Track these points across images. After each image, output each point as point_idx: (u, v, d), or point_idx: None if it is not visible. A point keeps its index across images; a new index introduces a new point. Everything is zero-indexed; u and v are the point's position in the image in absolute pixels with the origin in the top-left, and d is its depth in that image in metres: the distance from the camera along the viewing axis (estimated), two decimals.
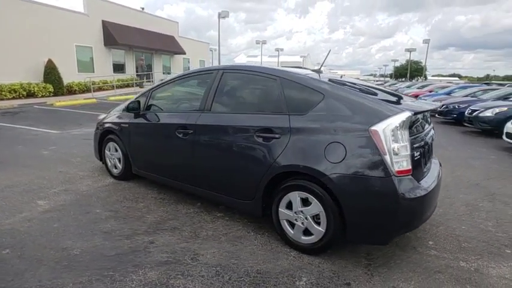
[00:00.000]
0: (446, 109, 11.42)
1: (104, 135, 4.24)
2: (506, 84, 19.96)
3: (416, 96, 18.56)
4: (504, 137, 7.01)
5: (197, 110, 3.18)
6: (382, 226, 2.25)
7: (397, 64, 78.28)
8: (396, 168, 2.17)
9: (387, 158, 2.17)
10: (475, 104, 9.82)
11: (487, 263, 2.56)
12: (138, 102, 3.67)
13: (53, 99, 13.68)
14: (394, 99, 2.61)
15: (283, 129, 2.56)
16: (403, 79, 68.57)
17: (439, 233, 3.03)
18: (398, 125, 2.20)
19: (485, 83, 23.52)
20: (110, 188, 3.93)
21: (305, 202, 2.51)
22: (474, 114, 8.98)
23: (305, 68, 3.61)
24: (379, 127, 2.21)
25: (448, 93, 15.36)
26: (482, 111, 8.81)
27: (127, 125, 3.85)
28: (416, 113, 2.33)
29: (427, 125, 2.80)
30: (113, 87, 17.67)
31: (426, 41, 40.50)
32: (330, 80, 2.71)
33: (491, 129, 8.47)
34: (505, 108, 8.42)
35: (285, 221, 2.65)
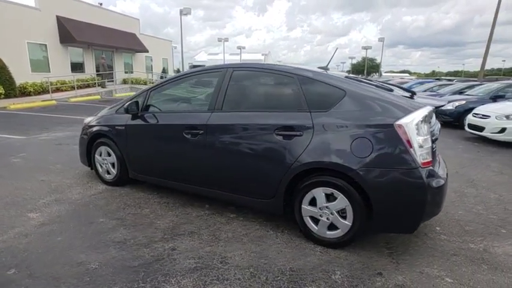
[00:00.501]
0: None
1: (93, 139, 3.95)
2: (454, 79, 21.72)
3: None
4: (466, 128, 7.65)
5: (207, 110, 3.08)
6: (409, 215, 2.35)
7: (354, 61, 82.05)
8: (421, 160, 2.27)
9: (413, 150, 2.27)
10: (437, 98, 10.59)
11: (491, 243, 2.78)
12: (137, 103, 3.47)
13: (5, 101, 12.44)
14: (409, 95, 2.73)
15: (306, 127, 2.57)
16: (360, 75, 71.96)
17: (441, 218, 3.23)
18: (421, 119, 2.31)
19: (436, 79, 25.35)
20: (106, 195, 3.68)
21: (330, 197, 2.54)
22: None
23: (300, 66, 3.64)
24: (404, 121, 2.30)
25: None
26: (444, 105, 9.52)
27: (123, 128, 3.62)
28: (436, 108, 2.45)
29: (434, 119, 2.97)
30: (72, 88, 16.47)
31: (381, 40, 42.92)
32: (346, 77, 2.77)
33: (452, 121, 9.19)
34: (464, 102, 9.19)
35: (308, 217, 2.67)
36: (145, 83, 22.03)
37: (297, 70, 2.79)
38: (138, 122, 3.50)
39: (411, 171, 2.26)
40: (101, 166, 3.97)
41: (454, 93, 11.66)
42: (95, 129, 3.89)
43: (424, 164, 2.29)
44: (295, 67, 2.86)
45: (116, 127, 3.68)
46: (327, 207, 2.55)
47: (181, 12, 27.30)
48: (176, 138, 3.21)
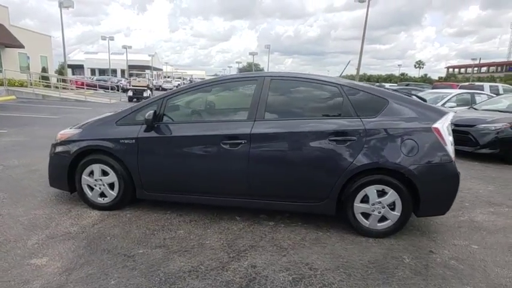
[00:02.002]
0: None
1: (79, 157, 3.20)
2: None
3: None
4: None
5: (247, 119, 2.95)
6: (446, 199, 2.86)
7: (239, 66, 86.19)
8: (452, 155, 2.80)
9: (447, 148, 2.77)
10: None
11: (469, 214, 3.59)
12: (155, 113, 3.00)
13: None
14: (425, 101, 3.26)
15: (358, 131, 2.79)
16: None
17: None
18: (449, 122, 2.84)
19: None
20: (112, 222, 3.05)
21: (381, 194, 2.84)
22: None
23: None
24: (439, 124, 2.78)
25: None
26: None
27: (133, 141, 3.07)
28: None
29: None
30: None
31: (267, 47, 46.48)
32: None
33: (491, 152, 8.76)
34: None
35: (360, 214, 2.90)
36: (21, 85, 18.06)
37: (339, 80, 2.99)
38: (157, 133, 3.04)
39: (448, 164, 2.76)
40: (91, 188, 3.25)
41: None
42: (83, 144, 3.16)
43: (453, 158, 2.83)
44: (335, 77, 3.04)
45: (122, 141, 3.09)
46: (379, 202, 2.84)
47: (61, 5, 23.39)
48: (211, 149, 2.96)
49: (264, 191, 3.00)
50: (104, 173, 3.20)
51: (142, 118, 3.12)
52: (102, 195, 3.27)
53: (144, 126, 3.07)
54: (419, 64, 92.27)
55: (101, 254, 2.51)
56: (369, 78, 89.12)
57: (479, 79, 55.34)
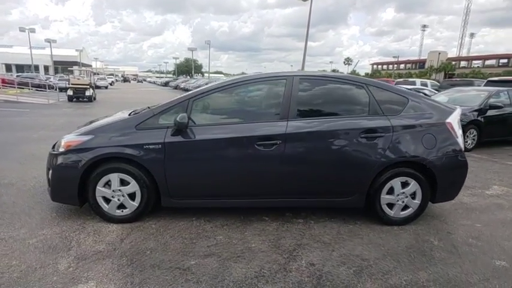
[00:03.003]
0: None
1: (93, 167, 2.85)
2: None
3: None
4: None
5: (279, 119, 2.95)
6: (457, 186, 3.22)
7: (176, 61, 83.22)
8: (462, 146, 3.17)
9: (459, 140, 3.13)
10: None
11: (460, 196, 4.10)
12: (186, 116, 2.80)
13: None
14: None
15: (386, 128, 3.00)
16: (184, 76, 74.04)
17: None
18: (459, 117, 3.20)
19: None
20: (141, 235, 2.80)
21: (404, 185, 3.09)
22: None
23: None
24: (451, 119, 3.13)
25: None
26: None
27: (159, 146, 2.83)
28: None
29: None
30: None
31: (208, 42, 45.73)
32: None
33: None
34: None
35: (385, 204, 3.13)
36: None
37: (365, 80, 3.16)
38: (186, 137, 2.86)
39: (459, 154, 3.12)
40: (107, 201, 2.94)
41: None
42: (100, 151, 2.82)
43: (463, 148, 3.19)
44: (360, 77, 3.19)
45: (146, 146, 2.84)
46: (402, 193, 3.09)
47: None
48: (245, 151, 2.90)
49: (297, 190, 3.05)
50: (123, 183, 2.91)
51: (165, 121, 2.92)
52: (121, 206, 2.97)
53: (170, 130, 2.87)
54: (348, 61, 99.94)
55: (152, 270, 2.30)
56: None
57: (400, 75, 62.18)
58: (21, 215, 3.10)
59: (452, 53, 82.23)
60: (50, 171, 2.97)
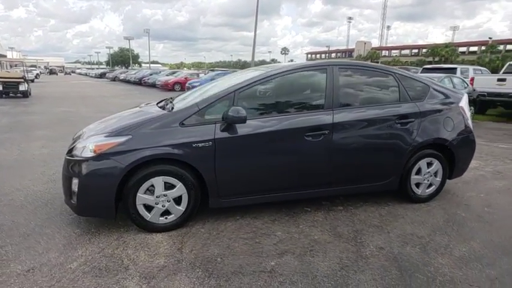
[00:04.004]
0: None
1: (131, 171, 2.46)
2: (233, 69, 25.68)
3: (184, 83, 20.17)
4: None
5: (324, 108, 2.89)
6: (467, 163, 3.55)
7: (110, 51, 76.19)
8: (471, 127, 3.48)
9: (469, 121, 3.44)
10: None
11: None
12: (241, 109, 2.55)
13: None
14: None
15: (416, 114, 3.16)
16: (120, 66, 68.39)
17: None
18: (467, 101, 3.50)
19: (211, 70, 28.88)
20: (196, 241, 2.52)
21: (429, 165, 3.30)
22: None
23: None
24: (463, 103, 3.42)
25: (212, 79, 18.15)
26: None
27: (209, 143, 2.55)
28: None
29: None
30: None
31: (147, 31, 42.72)
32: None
33: None
34: None
35: (414, 184, 3.31)
36: None
37: (392, 68, 3.25)
38: (236, 132, 2.62)
39: (470, 134, 3.43)
40: (148, 208, 2.57)
41: None
42: (143, 153, 2.43)
43: (472, 129, 3.51)
44: (387, 66, 3.26)
45: (195, 145, 2.53)
46: (428, 172, 3.31)
47: None
48: (295, 143, 2.80)
49: (342, 178, 3.05)
50: (168, 186, 2.57)
51: (212, 116, 2.64)
52: (165, 213, 2.63)
53: (219, 125, 2.60)
54: (284, 51, 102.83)
55: (238, 278, 2.10)
56: (243, 65, 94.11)
57: None
58: (36, 236, 2.55)
59: (374, 43, 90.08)
60: (75, 181, 2.48)
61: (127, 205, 2.51)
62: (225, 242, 2.54)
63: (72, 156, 2.59)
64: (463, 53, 63.31)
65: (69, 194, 2.58)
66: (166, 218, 2.64)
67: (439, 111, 3.28)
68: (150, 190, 2.55)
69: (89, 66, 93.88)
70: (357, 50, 73.72)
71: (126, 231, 2.66)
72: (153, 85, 23.40)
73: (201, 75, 22.38)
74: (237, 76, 3.66)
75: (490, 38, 67.48)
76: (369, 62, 3.52)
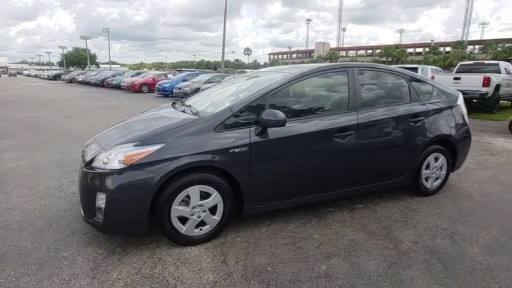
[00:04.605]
0: None
1: (166, 183, 2.25)
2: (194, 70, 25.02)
3: (153, 84, 19.32)
4: None
5: (348, 109, 2.91)
6: (465, 157, 3.77)
7: (64, 51, 70.53)
8: (468, 123, 3.71)
9: (465, 118, 3.67)
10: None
11: None
12: (279, 112, 2.45)
13: None
14: None
15: (425, 113, 3.30)
16: (75, 67, 63.78)
17: None
18: (462, 99, 3.72)
19: (178, 70, 28.01)
20: (237, 253, 2.39)
21: (435, 160, 3.47)
22: None
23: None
24: (460, 102, 3.63)
25: (184, 80, 17.58)
26: None
27: (245, 148, 2.43)
28: None
29: None
30: None
31: (106, 30, 40.11)
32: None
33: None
34: None
35: (424, 179, 3.46)
36: None
37: (402, 70, 3.35)
38: (272, 135, 2.52)
39: (467, 129, 3.66)
40: (182, 221, 2.39)
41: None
42: (181, 162, 2.25)
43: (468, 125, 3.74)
44: (398, 68, 3.36)
45: (232, 150, 2.39)
46: (435, 166, 3.47)
47: None
48: (325, 144, 2.78)
49: (365, 177, 3.09)
50: (204, 196, 2.40)
51: (245, 120, 2.52)
52: (199, 224, 2.46)
53: (254, 129, 2.49)
54: (247, 51, 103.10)
55: (297, 285, 2.01)
56: (207, 66, 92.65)
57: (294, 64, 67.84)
58: (54, 262, 2.24)
59: (332, 44, 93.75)
60: (102, 196, 2.22)
61: (161, 219, 2.31)
62: (267, 249, 2.44)
63: (92, 168, 2.31)
64: (410, 53, 68.35)
65: (91, 211, 2.30)
66: (201, 230, 2.47)
67: (443, 109, 3.45)
68: (185, 201, 2.37)
69: (39, 67, 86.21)
70: (316, 50, 76.23)
71: (156, 246, 2.45)
72: (117, 87, 22.07)
73: (169, 75, 21.58)
74: (244, 80, 3.58)
75: (432, 40, 73.59)
76: (380, 64, 3.60)
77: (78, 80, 29.38)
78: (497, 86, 10.67)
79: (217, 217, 2.50)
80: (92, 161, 2.37)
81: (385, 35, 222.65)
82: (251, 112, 2.53)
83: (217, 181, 2.41)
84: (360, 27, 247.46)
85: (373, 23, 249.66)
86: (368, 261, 2.30)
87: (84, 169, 2.36)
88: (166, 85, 17.11)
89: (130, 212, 2.24)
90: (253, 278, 2.10)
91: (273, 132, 2.54)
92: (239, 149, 2.42)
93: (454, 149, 3.53)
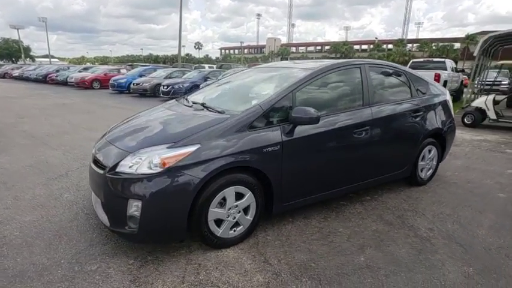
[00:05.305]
0: (170, 89, 12.90)
1: (204, 185, 2.17)
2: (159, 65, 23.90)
3: (105, 80, 18.09)
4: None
5: (362, 105, 3.06)
6: (450, 147, 4.17)
7: None
8: (453, 117, 4.11)
9: (452, 111, 4.06)
10: (182, 83, 12.66)
11: None
12: (309, 110, 2.47)
13: None
14: None
15: (424, 108, 3.59)
16: (4, 61, 56.97)
17: None
18: (449, 95, 4.11)
19: (129, 65, 26.48)
20: (275, 252, 2.40)
21: (429, 151, 3.80)
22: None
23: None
24: (448, 97, 4.01)
25: (140, 75, 16.69)
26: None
27: (277, 147, 2.43)
28: None
29: None
30: None
31: (43, 19, 36.22)
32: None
33: None
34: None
35: (420, 170, 3.76)
36: None
37: (403, 67, 3.60)
38: (300, 133, 2.55)
39: (453, 123, 4.06)
40: (217, 223, 2.33)
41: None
42: (214, 165, 2.17)
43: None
44: (400, 65, 3.60)
45: (265, 149, 2.38)
46: (429, 158, 3.80)
47: None
48: (346, 140, 2.91)
49: (376, 171, 3.27)
50: (237, 197, 2.36)
51: (275, 118, 2.52)
52: (236, 225, 2.42)
53: (283, 127, 2.50)
54: (198, 45, 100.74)
55: (348, 277, 2.08)
56: (156, 59, 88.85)
57: (246, 59, 68.24)
58: (85, 277, 2.05)
59: (282, 40, 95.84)
60: (136, 204, 2.07)
61: (199, 223, 2.22)
62: (302, 246, 2.48)
63: (118, 173, 2.14)
64: (357, 50, 72.69)
65: (121, 220, 2.14)
66: (234, 231, 2.43)
67: (436, 104, 3.79)
68: (220, 203, 2.30)
69: None
70: (268, 46, 77.36)
71: (189, 252, 2.35)
72: (63, 83, 20.19)
73: (122, 71, 20.31)
74: (254, 76, 3.56)
75: (376, 38, 79.01)
76: (383, 61, 3.81)
77: (14, 75, 26.24)
78: (445, 82, 11.89)
79: (250, 217, 2.47)
80: (116, 165, 2.19)
81: (332, 32, 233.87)
82: (279, 110, 2.54)
83: (250, 181, 2.38)
84: (308, 23, 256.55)
85: (320, 19, 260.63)
86: (398, 250, 2.47)
87: (109, 175, 2.17)
88: (122, 81, 16.12)
89: (169, 218, 2.13)
90: (302, 275, 2.13)
91: (302, 130, 2.58)
92: (272, 148, 2.42)
93: (444, 141, 3.90)
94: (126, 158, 2.18)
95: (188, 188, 2.11)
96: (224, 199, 2.30)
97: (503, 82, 14.82)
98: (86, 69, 22.62)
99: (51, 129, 6.64)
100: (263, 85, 3.14)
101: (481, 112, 7.98)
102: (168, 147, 2.17)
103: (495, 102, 7.87)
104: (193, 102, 3.04)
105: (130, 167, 2.14)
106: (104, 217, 2.29)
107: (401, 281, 2.10)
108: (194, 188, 2.12)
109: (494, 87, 11.29)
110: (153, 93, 14.11)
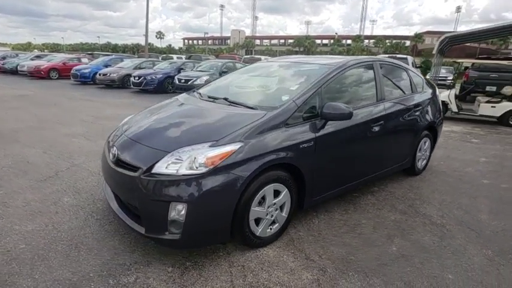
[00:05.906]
0: (142, 80, 12.22)
1: (252, 180, 2.09)
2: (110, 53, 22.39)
3: (64, 69, 16.66)
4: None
5: (376, 101, 3.14)
6: (438, 139, 4.45)
7: None
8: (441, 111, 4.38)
9: (441, 105, 4.32)
10: (154, 74, 12.20)
11: None
12: (342, 106, 2.46)
13: None
14: None
15: (423, 102, 3.78)
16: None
17: None
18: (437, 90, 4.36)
19: (89, 54, 24.60)
20: (316, 247, 2.39)
21: (425, 143, 4.02)
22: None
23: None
24: (437, 92, 4.26)
25: (106, 65, 15.55)
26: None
27: (311, 143, 2.39)
28: None
29: None
30: None
31: None
32: None
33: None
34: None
35: (417, 161, 3.97)
36: None
37: (403, 65, 3.73)
38: (330, 128, 2.54)
39: (441, 116, 4.32)
40: (256, 222, 2.25)
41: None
42: (258, 163, 2.08)
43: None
44: (400, 62, 3.72)
45: (302, 145, 2.33)
46: (424, 149, 4.03)
47: None
48: (367, 134, 2.98)
49: (385, 163, 3.38)
50: (275, 194, 2.30)
51: (307, 114, 2.47)
52: (273, 223, 2.36)
53: (316, 122, 2.47)
54: (160, 35, 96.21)
55: (391, 266, 2.14)
56: (115, 48, 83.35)
57: (211, 51, 66.82)
58: None
59: (246, 32, 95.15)
60: (179, 207, 1.92)
61: (242, 223, 2.12)
62: (335, 240, 2.50)
63: (154, 175, 1.97)
64: (318, 44, 74.56)
65: (161, 225, 1.97)
66: (271, 229, 2.37)
67: (430, 98, 4.00)
68: (259, 202, 2.22)
69: None
70: (232, 38, 76.36)
71: (227, 253, 2.26)
72: (13, 72, 18.17)
73: (83, 60, 18.76)
74: (273, 70, 3.52)
75: (336, 33, 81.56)
76: (386, 58, 3.91)
77: None
78: None
79: (285, 214, 2.43)
80: (152, 166, 2.00)
81: (293, 26, 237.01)
82: (310, 105, 2.50)
83: (287, 178, 2.33)
84: (270, 16, 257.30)
85: (282, 13, 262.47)
86: (422, 238, 2.59)
87: (144, 177, 1.98)
88: (86, 71, 14.90)
89: (214, 220, 2.01)
90: (347, 269, 2.14)
91: (332, 125, 2.57)
92: (307, 144, 2.38)
93: (436, 132, 4.15)
94: (164, 158, 2.01)
95: (234, 188, 2.00)
96: (263, 197, 2.23)
97: (448, 78, 16.30)
98: (38, 57, 20.54)
99: (18, 124, 5.94)
100: (286, 80, 3.07)
101: (444, 105, 8.64)
102: (210, 146, 2.03)
103: (456, 97, 8.57)
104: (211, 97, 2.88)
105: (169, 167, 1.97)
106: (134, 223, 2.09)
107: (437, 267, 2.21)
108: (240, 187, 2.02)
109: (441, 82, 12.36)
110: (121, 84, 13.25)
